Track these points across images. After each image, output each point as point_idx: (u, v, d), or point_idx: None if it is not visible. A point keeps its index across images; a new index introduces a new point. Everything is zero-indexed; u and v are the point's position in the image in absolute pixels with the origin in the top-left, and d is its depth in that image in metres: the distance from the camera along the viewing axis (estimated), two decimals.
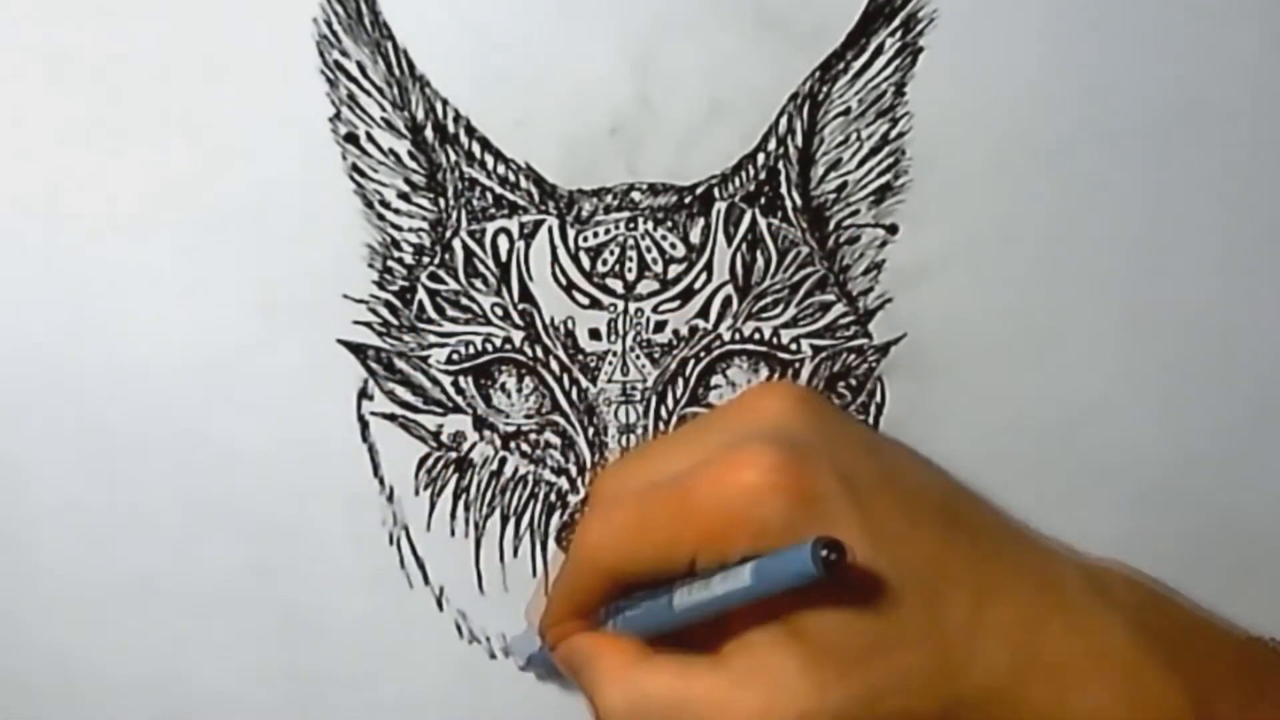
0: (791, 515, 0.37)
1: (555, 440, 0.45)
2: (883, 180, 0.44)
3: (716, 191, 0.44)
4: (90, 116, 0.42)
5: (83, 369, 0.44)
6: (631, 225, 0.44)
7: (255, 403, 0.44)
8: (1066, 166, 0.44)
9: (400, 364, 0.45)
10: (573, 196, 0.44)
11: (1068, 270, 0.45)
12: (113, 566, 0.46)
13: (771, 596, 0.37)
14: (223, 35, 0.42)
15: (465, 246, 0.44)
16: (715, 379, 0.45)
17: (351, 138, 0.43)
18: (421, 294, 0.44)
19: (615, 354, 0.45)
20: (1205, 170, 0.44)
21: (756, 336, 0.45)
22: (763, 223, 0.44)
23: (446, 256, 0.44)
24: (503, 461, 0.46)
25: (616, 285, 0.44)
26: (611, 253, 0.44)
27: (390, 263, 0.44)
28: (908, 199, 0.44)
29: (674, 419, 0.45)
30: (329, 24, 0.42)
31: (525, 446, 0.45)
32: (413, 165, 0.43)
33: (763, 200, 0.44)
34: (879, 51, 0.43)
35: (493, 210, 0.44)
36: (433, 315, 0.44)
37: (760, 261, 0.44)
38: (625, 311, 0.44)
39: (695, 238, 0.44)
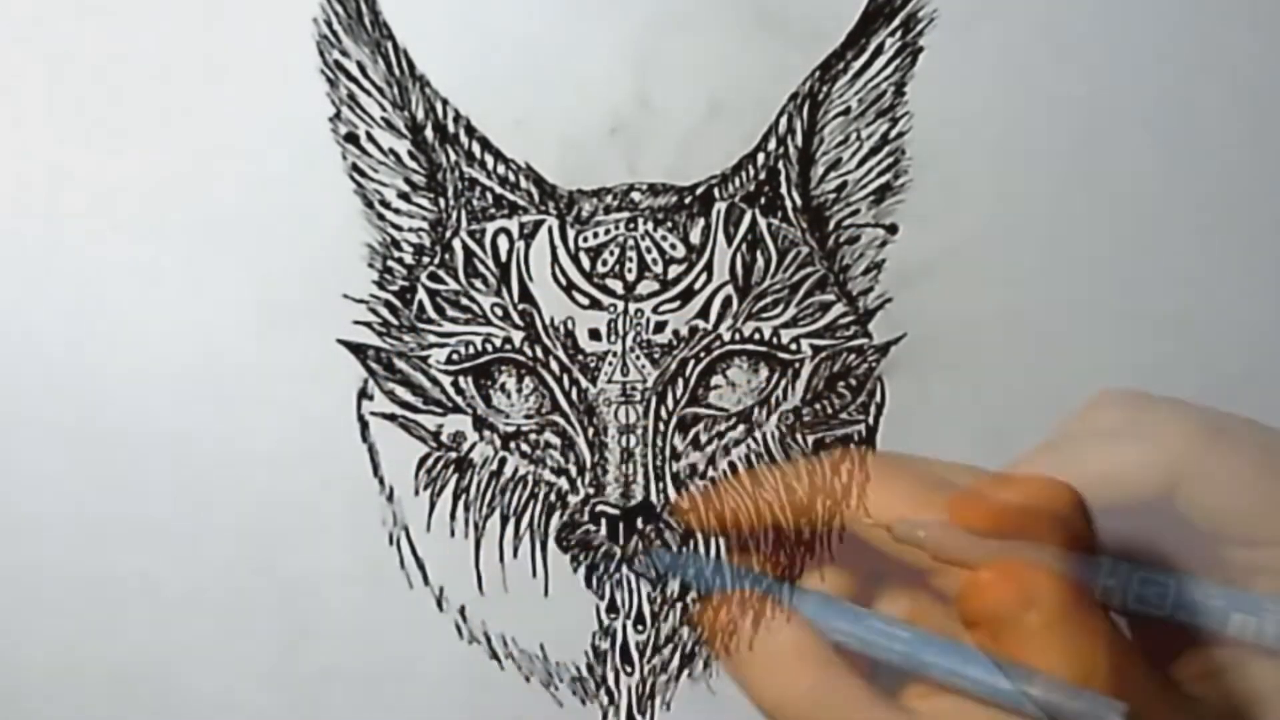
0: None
1: (555, 440, 0.45)
2: (883, 180, 0.44)
3: (716, 191, 0.44)
4: (90, 116, 0.42)
5: (83, 368, 0.44)
6: (631, 225, 0.44)
7: (255, 402, 0.44)
8: (1066, 166, 0.44)
9: (400, 364, 0.45)
10: (573, 197, 0.44)
11: (1067, 270, 0.45)
12: (112, 566, 0.46)
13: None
14: (223, 35, 0.42)
15: (465, 246, 0.44)
16: (715, 379, 0.45)
17: (351, 137, 0.43)
18: (421, 294, 0.44)
19: (615, 354, 0.45)
20: (1205, 169, 0.44)
21: (756, 336, 0.45)
22: (763, 223, 0.44)
23: (446, 256, 0.44)
24: (502, 462, 0.45)
25: (616, 285, 0.44)
26: (611, 253, 0.44)
27: (390, 263, 0.44)
28: (908, 199, 0.44)
29: (673, 419, 0.45)
30: (329, 24, 0.42)
31: (525, 447, 0.45)
32: (413, 165, 0.43)
33: (763, 200, 0.44)
34: (879, 51, 0.43)
35: (493, 210, 0.44)
36: (433, 315, 0.44)
37: (760, 261, 0.44)
38: (625, 312, 0.44)
39: (695, 238, 0.44)
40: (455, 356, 0.45)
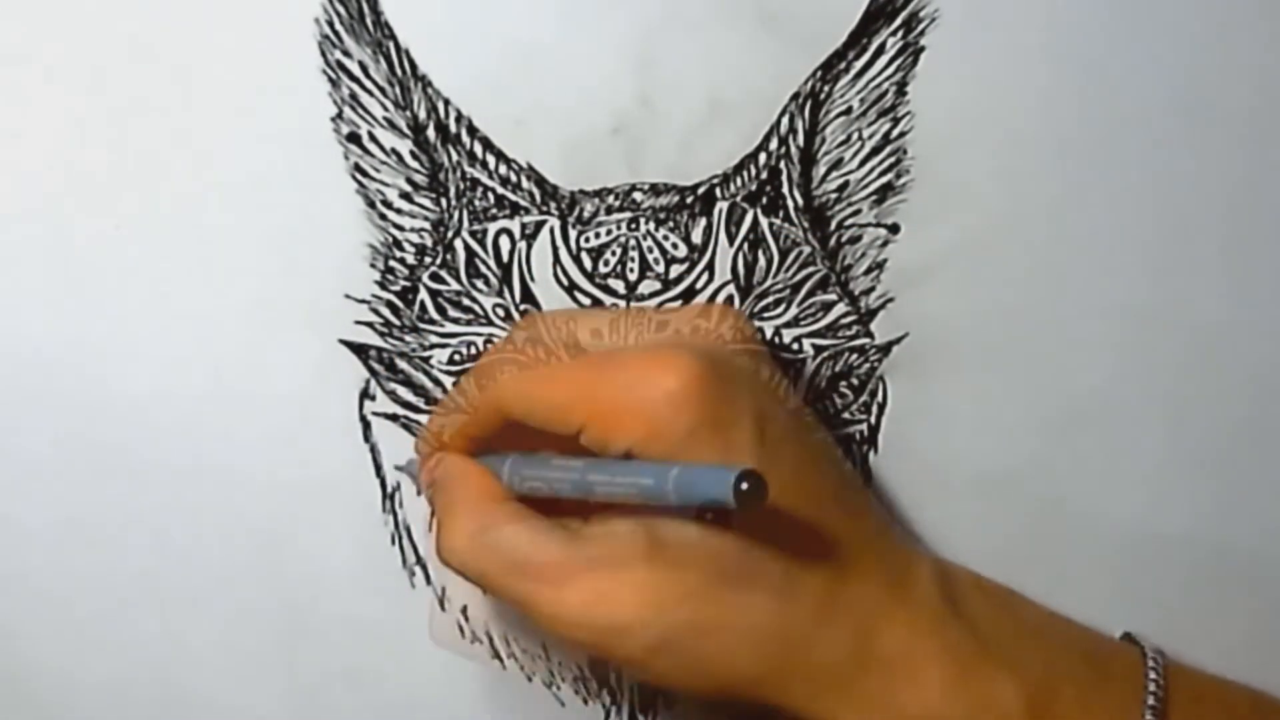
0: (695, 432, 0.37)
1: None
2: (884, 180, 0.44)
3: (718, 191, 0.44)
4: (91, 117, 0.42)
5: (84, 369, 0.44)
6: (633, 225, 0.44)
7: (257, 403, 0.44)
8: (1068, 166, 0.44)
9: (402, 364, 0.45)
10: (574, 197, 0.44)
11: (1069, 269, 0.45)
12: (113, 566, 0.46)
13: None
14: (224, 35, 0.42)
15: (467, 247, 0.44)
16: None
17: (354, 137, 0.43)
18: (423, 294, 0.44)
19: None
20: (1207, 169, 0.44)
21: (759, 336, 0.45)
22: (764, 222, 0.44)
23: (448, 257, 0.44)
24: None
25: (618, 286, 0.44)
26: (613, 253, 0.44)
27: (392, 263, 0.44)
28: (909, 198, 0.44)
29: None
30: (331, 24, 0.42)
31: None
32: (415, 165, 0.43)
33: (764, 200, 0.44)
34: (880, 51, 0.43)
35: (494, 211, 0.44)
36: (434, 316, 0.44)
37: (762, 261, 0.44)
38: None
39: (697, 238, 0.44)
40: (457, 357, 0.45)
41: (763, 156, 0.44)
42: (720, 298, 0.44)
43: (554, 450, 0.40)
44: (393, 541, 0.46)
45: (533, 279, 0.44)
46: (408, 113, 0.43)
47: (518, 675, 0.47)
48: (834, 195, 0.44)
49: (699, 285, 0.44)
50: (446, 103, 0.43)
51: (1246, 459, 0.46)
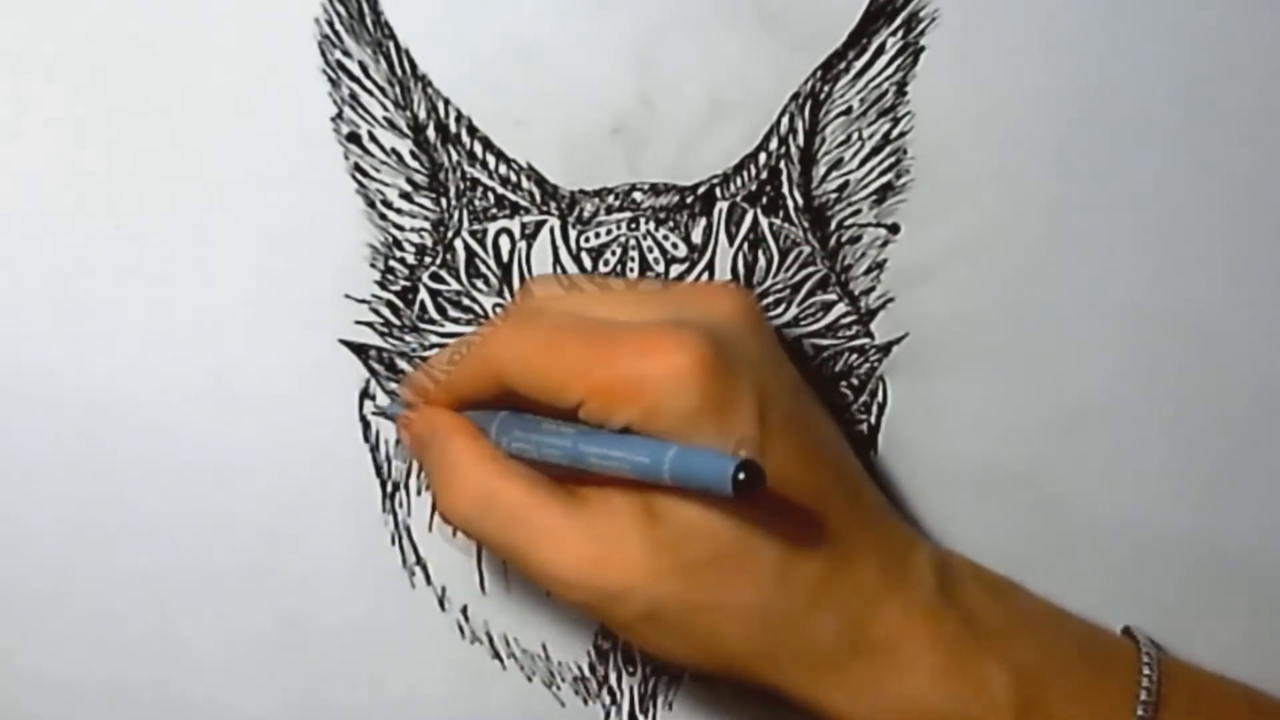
0: (696, 412, 0.37)
1: None
2: (884, 180, 0.44)
3: (718, 191, 0.44)
4: (90, 117, 0.42)
5: (83, 369, 0.44)
6: (633, 225, 0.44)
7: (257, 403, 0.44)
8: (1068, 165, 0.44)
9: (402, 364, 0.45)
10: (574, 197, 0.44)
11: (1069, 269, 0.45)
12: (113, 566, 0.45)
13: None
14: (224, 35, 0.42)
15: (467, 247, 0.44)
16: None
17: (353, 137, 0.43)
18: (423, 294, 0.44)
19: None
20: (1208, 168, 0.44)
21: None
22: (764, 222, 0.44)
23: (448, 257, 0.44)
24: None
25: None
26: (613, 253, 0.44)
27: (392, 263, 0.44)
28: (909, 198, 0.44)
29: None
30: (331, 24, 0.42)
31: None
32: (415, 165, 0.43)
33: (764, 200, 0.44)
34: (880, 51, 0.43)
35: (494, 210, 0.44)
36: (434, 316, 0.44)
37: (762, 261, 0.44)
38: None
39: (697, 238, 0.44)
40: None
41: (763, 156, 0.44)
42: None
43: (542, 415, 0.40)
44: (392, 542, 0.46)
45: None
46: (408, 112, 0.43)
47: (518, 675, 0.47)
48: (834, 195, 0.44)
49: None
50: (446, 102, 0.43)
51: (1246, 458, 0.47)
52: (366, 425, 0.45)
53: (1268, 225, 0.45)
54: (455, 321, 0.44)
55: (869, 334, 0.45)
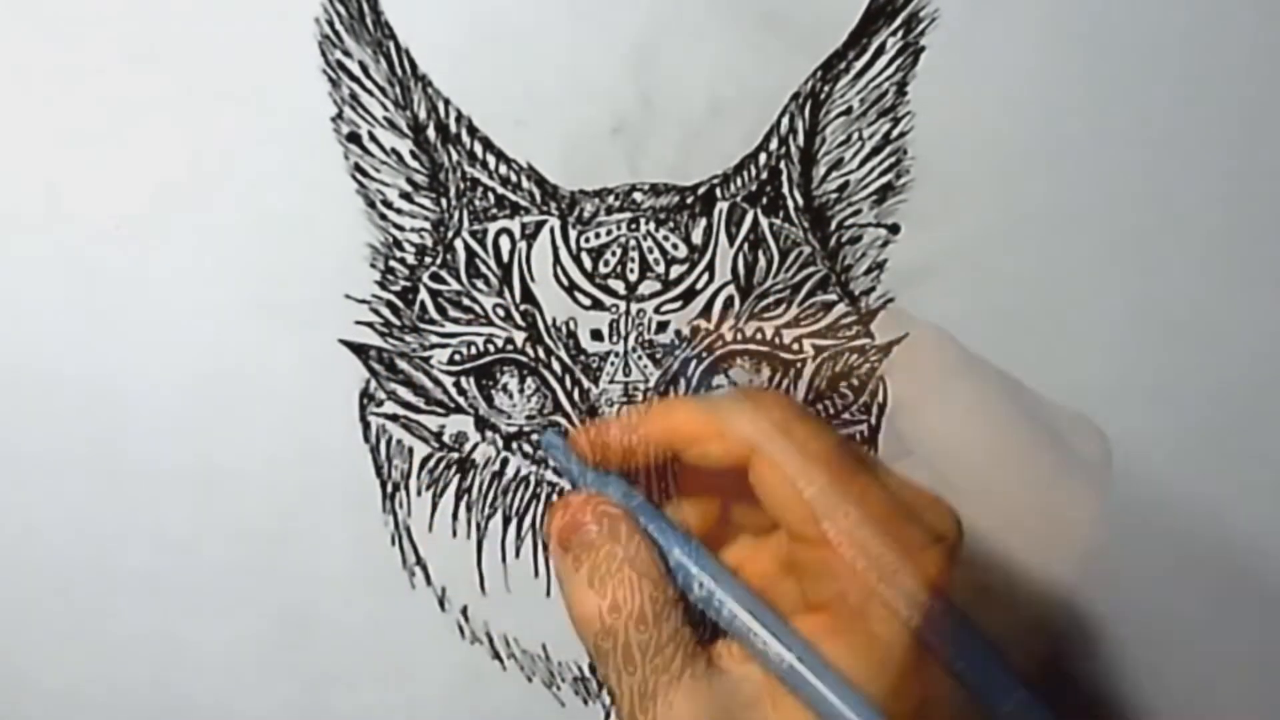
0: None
1: (558, 441, 0.45)
2: (884, 180, 0.44)
3: (718, 192, 0.44)
4: (90, 116, 0.42)
5: (84, 370, 0.44)
6: (633, 226, 0.44)
7: (257, 404, 0.44)
8: (1067, 166, 0.44)
9: (402, 364, 0.45)
10: (574, 197, 0.44)
11: (1069, 269, 0.45)
12: (113, 566, 0.45)
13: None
14: (225, 35, 0.42)
15: (467, 247, 0.44)
16: (717, 379, 0.45)
17: (354, 137, 0.43)
18: (423, 294, 0.44)
19: (617, 355, 0.45)
20: (1206, 169, 0.44)
21: (758, 336, 0.45)
22: (764, 223, 0.44)
23: (448, 257, 0.44)
24: (505, 462, 0.45)
25: (618, 286, 0.44)
26: (613, 253, 0.44)
27: (392, 263, 0.44)
28: (909, 198, 0.44)
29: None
30: (331, 24, 0.42)
31: (527, 447, 0.45)
32: (415, 165, 0.43)
33: (764, 200, 0.44)
34: (880, 51, 0.43)
35: (494, 211, 0.44)
36: (435, 316, 0.44)
37: (762, 261, 0.44)
38: (627, 312, 0.44)
39: (697, 238, 0.44)
40: (457, 357, 0.45)
41: (763, 157, 0.44)
42: (720, 298, 0.44)
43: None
44: (392, 542, 0.46)
45: (533, 279, 0.44)
46: (408, 112, 0.43)
47: (518, 676, 0.47)
48: (834, 195, 0.44)
49: (699, 286, 0.44)
50: (447, 102, 0.43)
51: (1246, 456, 0.46)
52: (366, 426, 0.45)
53: (1267, 225, 0.45)
54: (455, 321, 0.44)
55: (869, 334, 0.45)
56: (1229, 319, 0.45)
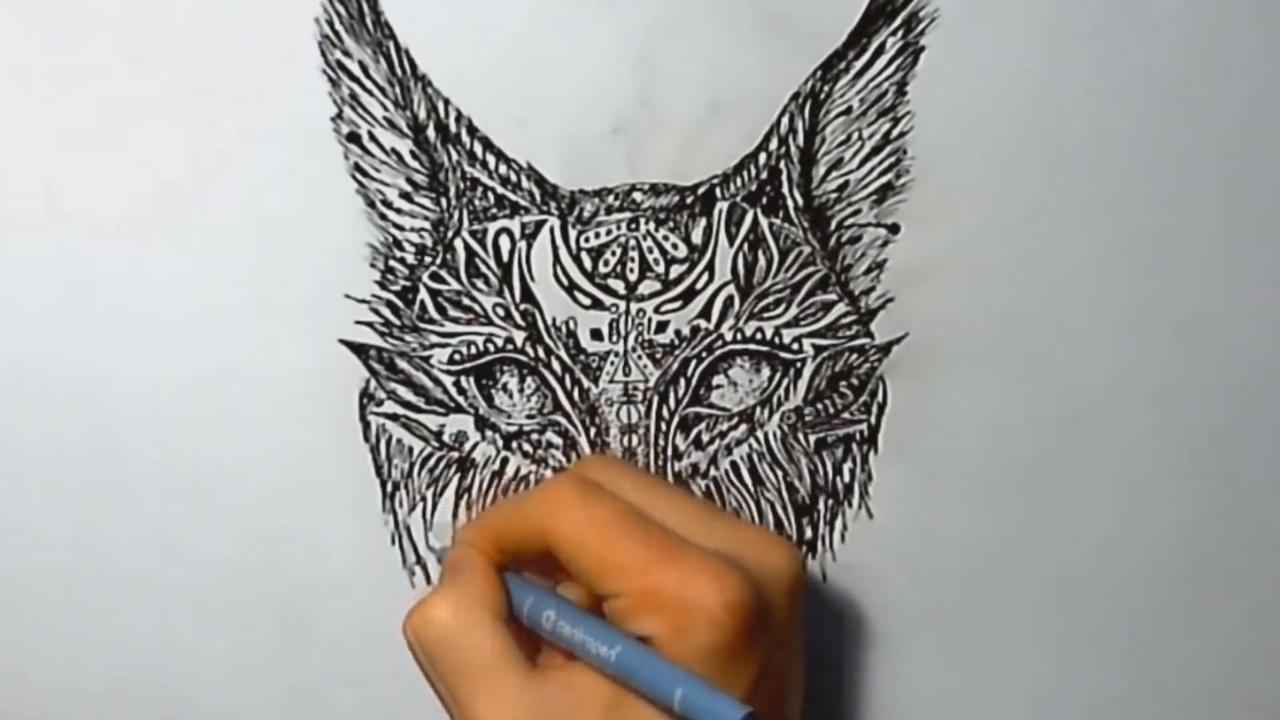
0: (711, 653, 0.38)
1: (557, 440, 0.45)
2: (884, 179, 0.44)
3: (718, 191, 0.44)
4: (90, 116, 0.42)
5: (84, 370, 0.44)
6: (633, 226, 0.44)
7: (256, 403, 0.44)
8: (1068, 165, 0.44)
9: (402, 364, 0.45)
10: (574, 197, 0.44)
11: (1070, 269, 0.45)
12: (113, 566, 0.46)
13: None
14: (225, 35, 0.42)
15: (467, 246, 0.44)
16: (717, 379, 0.45)
17: (353, 137, 0.43)
18: (423, 294, 0.44)
19: (617, 354, 0.45)
20: (1207, 169, 0.44)
21: (758, 336, 0.45)
22: (764, 222, 0.44)
23: (448, 256, 0.44)
24: (504, 461, 0.46)
25: (618, 286, 0.44)
26: (613, 253, 0.44)
27: (392, 262, 0.44)
28: (910, 198, 0.44)
29: (675, 419, 0.45)
30: (331, 24, 0.42)
31: (527, 446, 0.45)
32: (415, 165, 0.43)
33: (764, 200, 0.44)
34: (880, 51, 0.43)
35: (494, 210, 0.44)
36: (434, 315, 0.44)
37: (762, 261, 0.44)
38: (627, 312, 0.44)
39: (697, 238, 0.44)
40: (457, 356, 0.45)
41: (763, 156, 0.44)
42: (720, 298, 0.44)
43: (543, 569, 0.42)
44: (392, 541, 0.46)
45: (533, 279, 0.44)
46: (408, 112, 0.43)
47: None
48: (834, 195, 0.44)
49: (699, 286, 0.44)
50: (446, 102, 0.43)
51: (1247, 458, 0.47)
52: (366, 425, 0.45)
53: (1267, 226, 0.45)
54: (455, 321, 0.44)
55: (869, 334, 0.45)
56: (1230, 319, 0.45)
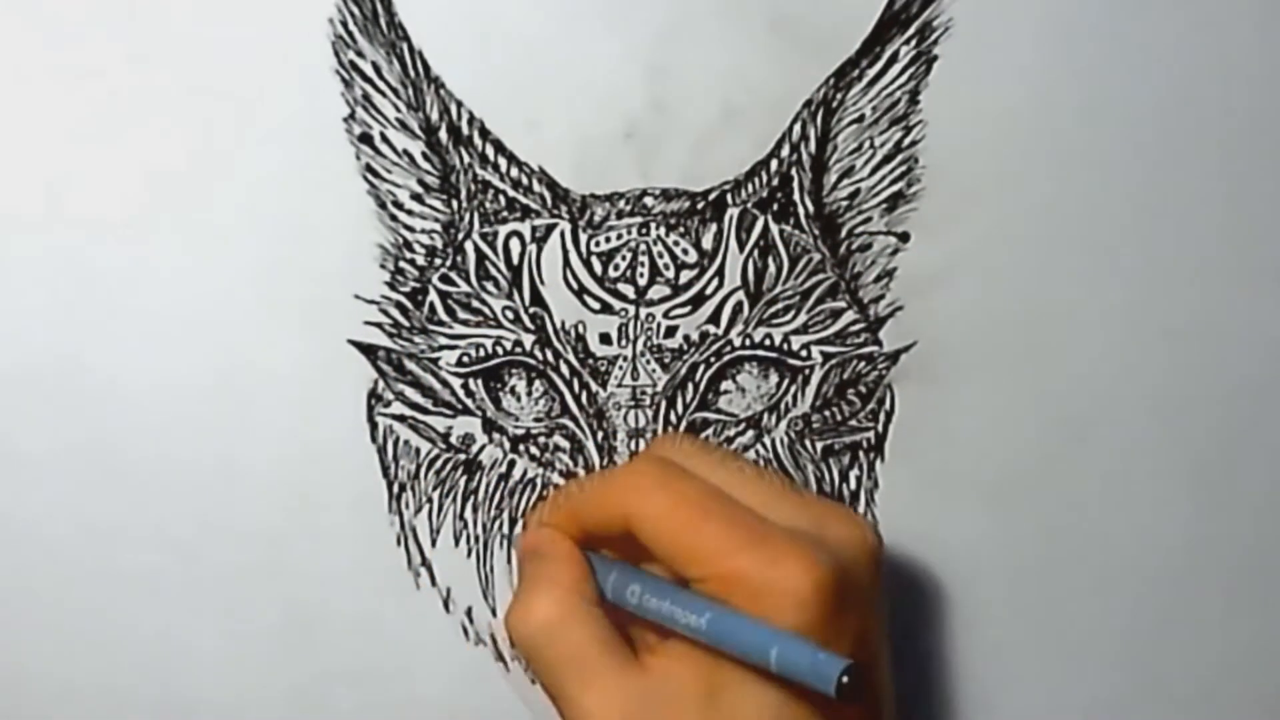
0: (804, 632, 0.37)
1: (564, 444, 0.45)
2: (895, 188, 0.44)
3: (729, 197, 0.44)
4: (99, 116, 0.42)
5: (91, 368, 0.44)
6: (644, 230, 0.44)
7: (264, 403, 0.44)
8: (1078, 176, 0.44)
9: (410, 366, 0.45)
10: (585, 201, 0.44)
11: (1078, 279, 0.45)
12: (118, 566, 0.45)
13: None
14: (237, 34, 0.42)
15: (477, 249, 0.44)
16: (725, 384, 0.45)
17: (366, 138, 0.43)
18: (433, 296, 0.44)
19: (625, 358, 0.45)
20: (1216, 178, 0.44)
21: (767, 342, 0.45)
22: (775, 229, 0.44)
23: (458, 259, 0.44)
24: (511, 464, 0.46)
25: (628, 290, 0.44)
26: (623, 257, 0.44)
27: (402, 264, 0.44)
28: (920, 207, 0.44)
29: (683, 424, 0.45)
30: (344, 24, 0.42)
31: (534, 449, 0.45)
32: (426, 167, 0.43)
33: (775, 206, 0.44)
34: (893, 59, 0.43)
35: (505, 213, 0.44)
36: (444, 317, 0.44)
37: (772, 268, 0.44)
38: (636, 316, 0.44)
39: (707, 243, 0.44)
40: (466, 359, 0.45)
41: (774, 163, 0.44)
42: (730, 304, 0.44)
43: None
44: (398, 542, 0.46)
45: (543, 282, 0.44)
46: (420, 114, 0.43)
47: (520, 677, 0.47)
48: (845, 203, 0.44)
49: (708, 291, 0.44)
50: (459, 105, 0.43)
51: (1255, 464, 0.47)
52: (374, 426, 0.45)
53: (1277, 232, 0.45)
54: (464, 323, 0.44)
55: (877, 342, 0.45)
56: (1238, 328, 0.46)
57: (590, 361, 0.45)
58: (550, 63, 0.43)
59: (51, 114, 0.42)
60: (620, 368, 0.45)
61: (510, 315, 0.44)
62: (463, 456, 0.45)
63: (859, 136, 0.44)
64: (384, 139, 0.43)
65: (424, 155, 0.43)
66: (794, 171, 0.44)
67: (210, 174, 0.43)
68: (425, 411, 0.45)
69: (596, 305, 0.44)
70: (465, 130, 0.43)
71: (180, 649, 0.46)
